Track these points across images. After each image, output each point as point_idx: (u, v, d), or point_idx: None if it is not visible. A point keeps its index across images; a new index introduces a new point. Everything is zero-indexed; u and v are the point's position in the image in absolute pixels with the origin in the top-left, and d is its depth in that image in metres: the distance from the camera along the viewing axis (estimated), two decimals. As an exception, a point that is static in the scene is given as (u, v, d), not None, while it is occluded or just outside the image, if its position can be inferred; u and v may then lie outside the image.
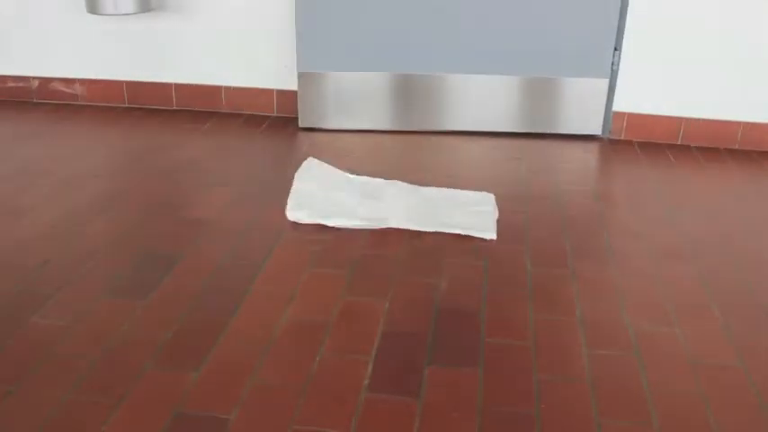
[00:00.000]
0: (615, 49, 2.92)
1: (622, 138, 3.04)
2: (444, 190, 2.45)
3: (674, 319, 1.79)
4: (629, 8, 2.85)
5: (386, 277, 1.95)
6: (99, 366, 1.57)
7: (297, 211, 2.24)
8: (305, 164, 2.55)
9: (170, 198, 2.40)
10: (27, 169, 2.61)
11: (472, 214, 2.27)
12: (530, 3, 2.85)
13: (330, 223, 2.21)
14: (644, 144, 3.00)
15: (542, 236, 2.19)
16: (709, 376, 1.59)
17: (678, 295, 1.90)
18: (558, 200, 2.44)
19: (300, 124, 3.07)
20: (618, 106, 3.00)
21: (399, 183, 2.47)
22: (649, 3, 2.84)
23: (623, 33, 2.89)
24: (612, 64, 2.94)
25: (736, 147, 2.97)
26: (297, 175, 2.46)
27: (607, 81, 2.95)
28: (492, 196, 2.41)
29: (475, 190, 2.46)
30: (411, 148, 2.90)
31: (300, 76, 3.00)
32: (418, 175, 2.58)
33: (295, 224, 2.22)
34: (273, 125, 3.13)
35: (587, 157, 2.86)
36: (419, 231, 2.19)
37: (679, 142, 3.01)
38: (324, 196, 2.33)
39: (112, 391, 1.50)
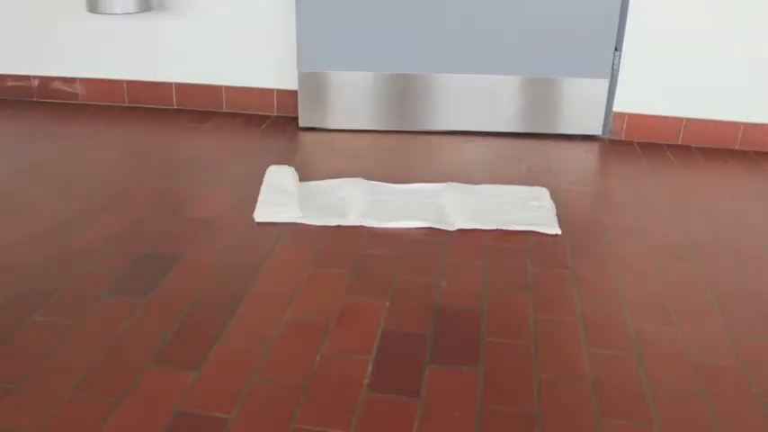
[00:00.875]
0: (615, 50, 2.92)
1: (623, 138, 3.04)
2: (499, 187, 2.49)
3: (674, 319, 1.80)
4: (629, 8, 2.85)
5: (386, 277, 1.95)
6: (99, 366, 1.58)
7: (365, 218, 2.25)
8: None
9: (170, 198, 2.40)
10: (27, 168, 2.61)
11: (533, 209, 2.32)
12: (530, 3, 2.85)
13: (393, 225, 2.22)
14: (644, 144, 3.00)
15: (542, 236, 2.19)
16: (709, 376, 1.59)
17: (678, 295, 1.90)
18: (559, 200, 2.44)
19: (301, 124, 3.07)
20: (618, 107, 3.00)
21: (454, 184, 2.49)
22: (650, 3, 2.84)
23: (624, 34, 2.89)
24: (613, 64, 2.94)
25: (737, 147, 2.97)
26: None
27: (607, 81, 2.95)
28: (546, 191, 2.46)
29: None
30: (411, 148, 2.90)
31: (301, 75, 3.00)
32: (419, 176, 2.58)
33: (295, 223, 2.22)
34: (274, 125, 3.13)
35: (588, 157, 2.86)
36: (420, 231, 2.19)
37: (679, 143, 3.01)
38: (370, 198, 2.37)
39: (113, 390, 1.50)
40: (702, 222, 2.32)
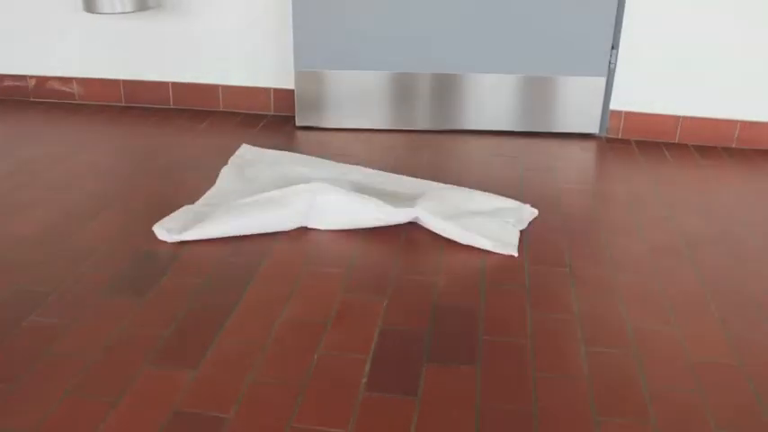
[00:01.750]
0: (612, 48, 2.92)
1: (620, 136, 3.05)
2: (480, 198, 2.33)
3: (671, 317, 1.80)
4: (626, 6, 2.86)
5: (384, 276, 1.95)
6: (97, 365, 1.57)
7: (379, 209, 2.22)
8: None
9: (168, 197, 2.40)
10: (25, 168, 2.61)
11: (498, 224, 2.18)
12: (527, 1, 2.86)
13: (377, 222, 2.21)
14: (641, 143, 3.00)
15: (540, 234, 2.20)
16: (706, 374, 1.59)
17: (676, 293, 1.91)
18: (556, 198, 2.44)
19: (297, 123, 3.07)
20: (615, 105, 3.01)
21: (434, 183, 2.46)
22: (646, 1, 2.84)
23: (620, 32, 2.89)
24: (610, 62, 2.94)
25: (734, 145, 2.97)
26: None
27: (604, 79, 2.95)
28: (521, 216, 2.26)
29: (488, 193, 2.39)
30: (408, 147, 2.90)
31: (298, 74, 3.00)
32: (416, 175, 2.58)
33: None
34: (271, 124, 3.13)
35: (585, 155, 2.86)
36: (416, 230, 2.19)
37: (676, 141, 3.01)
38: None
39: (111, 389, 1.50)
40: (700, 220, 2.32)
